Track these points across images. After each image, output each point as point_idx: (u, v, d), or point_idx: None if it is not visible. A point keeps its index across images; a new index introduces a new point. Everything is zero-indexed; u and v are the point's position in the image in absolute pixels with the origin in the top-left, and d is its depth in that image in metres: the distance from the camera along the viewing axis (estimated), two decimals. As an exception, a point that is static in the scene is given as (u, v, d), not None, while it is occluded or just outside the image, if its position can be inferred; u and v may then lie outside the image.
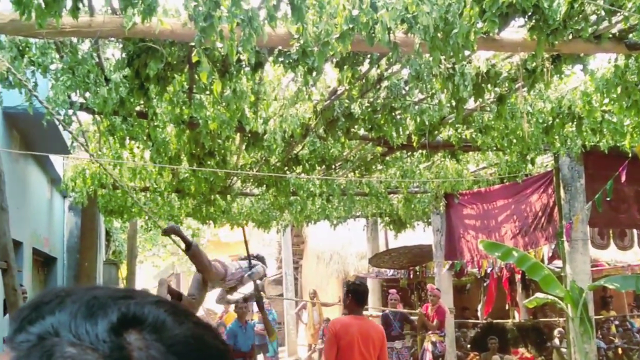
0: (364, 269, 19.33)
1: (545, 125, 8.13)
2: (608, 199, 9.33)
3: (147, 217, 13.70)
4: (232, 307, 17.35)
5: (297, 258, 24.27)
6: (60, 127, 7.38)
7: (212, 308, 25.51)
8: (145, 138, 8.25)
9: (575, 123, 8.02)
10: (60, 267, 13.47)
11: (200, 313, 25.97)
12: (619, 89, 6.67)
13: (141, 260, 25.70)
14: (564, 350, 14.65)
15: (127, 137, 8.22)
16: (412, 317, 13.56)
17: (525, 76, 6.40)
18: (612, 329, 16.35)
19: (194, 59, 5.00)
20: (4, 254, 5.00)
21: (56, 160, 11.22)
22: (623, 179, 8.99)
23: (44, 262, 12.85)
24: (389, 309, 13.75)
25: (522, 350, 14.23)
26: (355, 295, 6.72)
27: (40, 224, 11.28)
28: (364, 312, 7.42)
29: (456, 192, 12.86)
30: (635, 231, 11.11)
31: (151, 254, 29.10)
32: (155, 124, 7.60)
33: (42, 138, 9.32)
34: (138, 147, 9.09)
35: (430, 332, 12.55)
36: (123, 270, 19.24)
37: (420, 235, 17.12)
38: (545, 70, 6.17)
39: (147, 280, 29.50)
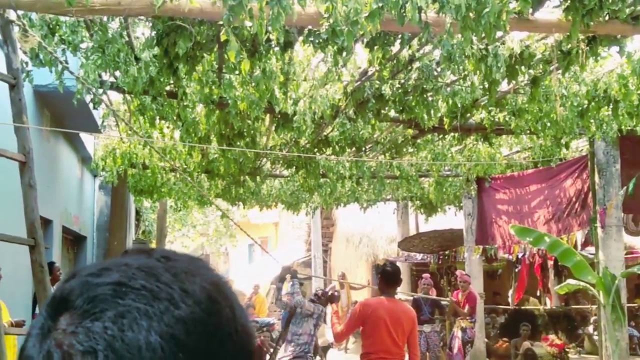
0: (394, 252, 19.25)
1: (580, 108, 7.96)
2: (643, 185, 9.15)
3: (177, 197, 13.72)
4: (262, 289, 17.41)
5: (327, 241, 24.23)
6: (91, 106, 7.36)
7: (241, 289, 25.66)
8: (175, 118, 8.23)
9: (611, 107, 7.85)
10: (90, 246, 13.58)
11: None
12: (656, 72, 6.52)
13: (170, 240, 25.87)
14: (596, 338, 14.48)
15: (157, 117, 8.22)
16: (443, 303, 13.45)
17: (560, 58, 6.25)
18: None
19: (223, 38, 4.94)
20: (31, 231, 4.99)
21: (87, 139, 11.27)
22: None
23: (74, 240, 12.95)
24: (418, 294, 13.67)
25: (552, 337, 14.08)
26: (384, 276, 6.67)
27: (70, 202, 11.35)
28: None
29: (488, 176, 12.69)
30: (670, 218, 10.89)
31: (181, 234, 29.30)
32: (185, 103, 7.57)
33: (73, 117, 9.34)
34: (168, 127, 9.10)
35: (460, 318, 12.45)
36: (153, 250, 19.31)
37: (451, 219, 16.99)
38: (580, 52, 6.01)
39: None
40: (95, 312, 0.61)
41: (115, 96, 8.76)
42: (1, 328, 4.81)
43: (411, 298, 13.93)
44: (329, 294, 8.62)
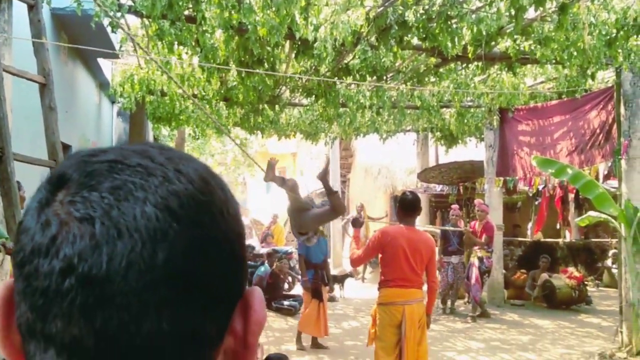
0: (413, 184, 19.20)
1: (608, 37, 7.76)
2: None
3: (195, 125, 13.66)
4: (280, 218, 17.49)
5: (345, 172, 24.20)
6: (109, 30, 7.24)
7: (259, 219, 25.83)
8: (193, 44, 8.11)
9: (640, 36, 7.65)
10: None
11: (247, 221, 26.38)
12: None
13: (188, 168, 26.01)
14: (615, 271, 14.49)
15: (175, 42, 8.10)
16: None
17: (591, -17, 6.04)
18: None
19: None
20: (52, 153, 4.97)
21: (105, 65, 11.17)
22: None
23: (92, 165, 12.94)
24: (440, 227, 13.68)
25: (571, 269, 14.07)
26: (403, 204, 6.63)
27: (88, 128, 11.32)
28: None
29: (511, 107, 12.49)
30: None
31: (198, 163, 29.38)
32: (204, 28, 7.45)
33: (91, 41, 9.22)
34: (186, 53, 8.98)
35: (477, 248, 12.46)
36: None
37: (471, 151, 16.87)
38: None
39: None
40: (92, 184, 0.61)
41: (133, 20, 8.63)
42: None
43: (438, 231, 13.93)
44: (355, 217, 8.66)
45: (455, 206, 13.85)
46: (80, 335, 0.58)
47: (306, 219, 9.49)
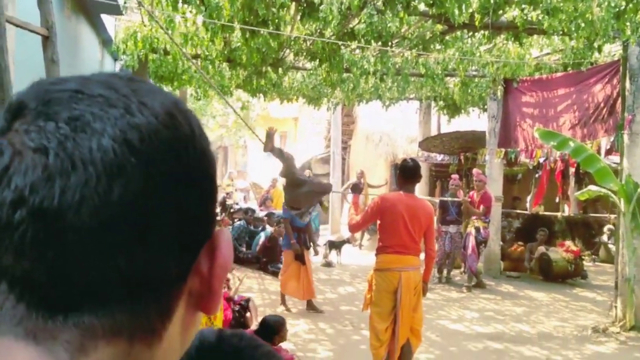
0: (414, 152, 19.15)
1: (617, 10, 7.70)
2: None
3: (197, 86, 13.58)
4: (280, 182, 17.52)
5: (346, 138, 24.14)
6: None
7: (258, 182, 25.85)
8: (198, 2, 8.03)
9: (650, 9, 7.57)
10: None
11: (246, 185, 26.35)
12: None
13: (189, 130, 25.88)
14: (611, 246, 14.52)
15: (180, 1, 8.02)
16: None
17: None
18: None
19: None
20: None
21: (108, 21, 11.07)
22: None
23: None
24: (440, 197, 13.69)
25: (568, 243, 14.11)
26: (404, 170, 6.63)
27: (91, 85, 11.22)
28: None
29: (516, 78, 12.42)
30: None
31: (200, 124, 29.27)
32: (209, -14, 7.36)
33: (95, -2, 9.13)
34: (191, 12, 8.89)
35: (474, 218, 12.48)
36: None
37: (474, 121, 16.83)
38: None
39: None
40: (49, 113, 0.59)
41: (137, -23, 8.54)
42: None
43: (437, 201, 13.95)
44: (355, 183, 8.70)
45: (455, 176, 13.84)
46: (32, 270, 0.57)
47: (299, 196, 9.57)
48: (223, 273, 0.66)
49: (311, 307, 10.21)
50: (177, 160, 0.61)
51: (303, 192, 9.51)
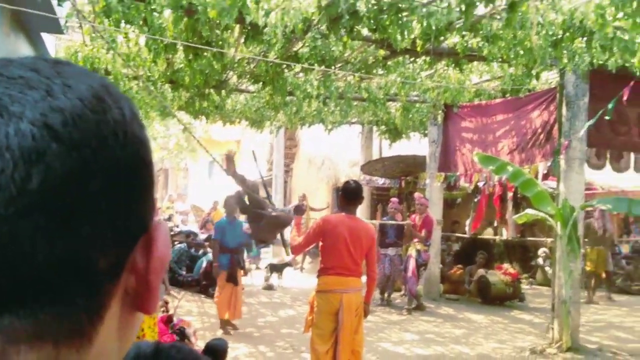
0: (355, 176, 19.22)
1: (554, 38, 7.89)
2: (607, 118, 9.16)
3: (138, 107, 13.43)
4: (220, 204, 17.37)
5: (289, 161, 24.17)
6: (54, 3, 7.06)
7: (199, 205, 25.64)
8: (141, 23, 7.97)
9: (585, 38, 7.78)
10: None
11: (186, 207, 26.09)
12: (634, 4, 6.44)
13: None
14: (548, 269, 14.80)
15: (123, 21, 7.95)
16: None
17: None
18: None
19: None
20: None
21: (49, 40, 10.90)
22: (625, 98, 8.78)
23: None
24: (381, 220, 13.82)
25: (506, 266, 14.34)
26: (345, 193, 6.67)
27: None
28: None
29: (456, 104, 12.64)
30: (632, 154, 10.98)
31: (139, 146, 28.85)
32: (153, 7, 7.32)
33: (35, 15, 8.97)
34: (134, 32, 8.81)
35: (416, 241, 12.59)
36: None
37: (415, 145, 17.03)
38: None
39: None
40: None
41: (80, -4, 8.44)
42: None
43: (377, 224, 14.05)
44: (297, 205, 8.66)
45: (394, 199, 14.00)
46: None
47: (262, 230, 9.55)
48: (160, 267, 0.62)
49: (226, 323, 10.29)
50: (105, 146, 0.57)
51: (263, 225, 9.48)
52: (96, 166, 0.56)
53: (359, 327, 6.60)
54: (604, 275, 14.78)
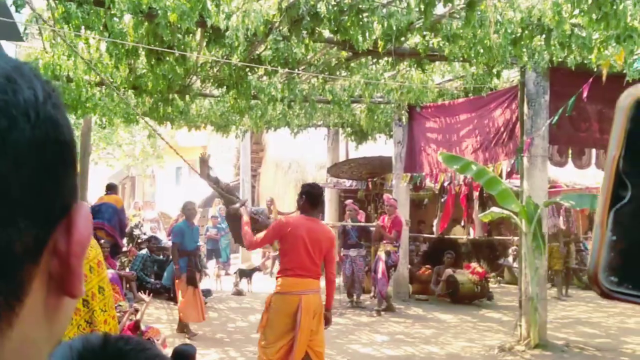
0: (323, 178, 19.28)
1: (513, 36, 7.97)
2: (567, 114, 9.27)
3: (102, 114, 13.31)
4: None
5: (256, 166, 24.11)
6: (12, 9, 6.98)
7: (167, 212, 25.46)
8: (101, 28, 7.91)
9: (544, 36, 7.87)
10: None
11: (153, 215, 25.91)
12: (589, 0, 6.53)
13: (95, 159, 25.08)
14: (516, 268, 14.92)
15: (83, 27, 7.88)
16: (371, 228, 13.63)
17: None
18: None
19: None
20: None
21: (8, 47, 10.76)
22: (585, 95, 8.89)
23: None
24: (346, 221, 13.88)
25: (474, 265, 14.44)
26: (309, 196, 6.65)
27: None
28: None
29: (420, 104, 12.73)
30: (593, 151, 11.11)
31: (106, 153, 28.41)
32: (112, 12, 7.26)
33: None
34: (94, 38, 8.74)
35: (385, 242, 12.62)
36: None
37: (381, 147, 17.08)
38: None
39: (100, 180, 29.20)
40: None
41: (39, 3, 8.35)
42: None
43: (339, 225, 14.08)
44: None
45: (349, 201, 14.20)
46: None
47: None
48: (80, 250, 0.61)
49: (183, 329, 10.35)
50: (15, 127, 0.55)
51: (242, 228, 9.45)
52: (5, 147, 0.54)
53: (319, 328, 6.60)
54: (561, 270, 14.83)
